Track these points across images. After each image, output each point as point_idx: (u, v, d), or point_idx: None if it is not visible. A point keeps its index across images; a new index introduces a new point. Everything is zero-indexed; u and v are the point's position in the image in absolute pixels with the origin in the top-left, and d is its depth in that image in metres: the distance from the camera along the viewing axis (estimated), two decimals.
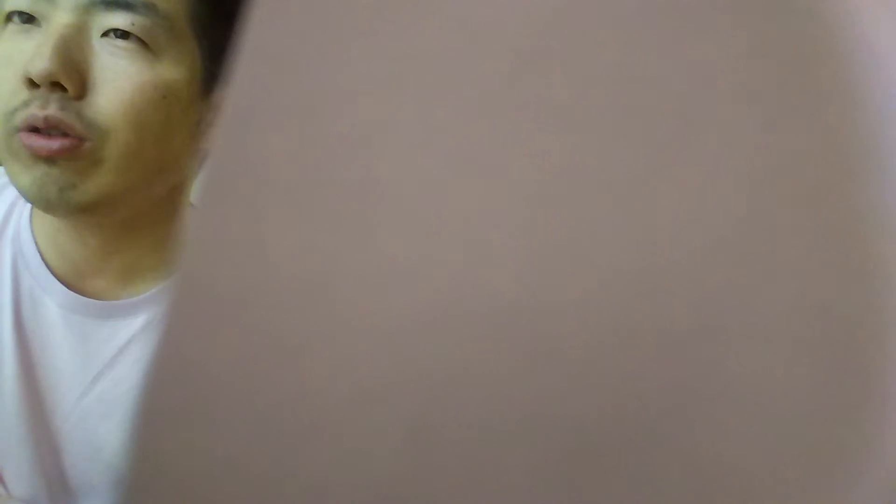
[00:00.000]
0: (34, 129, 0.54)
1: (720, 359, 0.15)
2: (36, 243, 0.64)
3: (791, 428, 0.14)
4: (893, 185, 0.15)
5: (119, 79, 0.55)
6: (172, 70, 0.56)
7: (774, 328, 0.15)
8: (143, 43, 0.55)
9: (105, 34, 0.55)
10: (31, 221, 0.65)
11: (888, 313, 0.14)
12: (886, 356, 0.14)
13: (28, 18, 0.55)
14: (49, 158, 0.54)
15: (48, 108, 0.54)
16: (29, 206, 0.65)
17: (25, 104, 0.54)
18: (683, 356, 0.15)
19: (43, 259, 0.63)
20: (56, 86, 0.54)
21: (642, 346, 0.15)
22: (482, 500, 0.16)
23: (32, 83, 0.54)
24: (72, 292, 0.62)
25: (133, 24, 0.54)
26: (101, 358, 0.62)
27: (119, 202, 0.58)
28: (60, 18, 0.54)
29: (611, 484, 0.15)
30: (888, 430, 0.14)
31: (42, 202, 0.56)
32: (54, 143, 0.54)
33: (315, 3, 0.18)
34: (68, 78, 0.54)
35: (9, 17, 0.56)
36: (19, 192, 0.57)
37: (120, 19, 0.54)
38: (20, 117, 0.54)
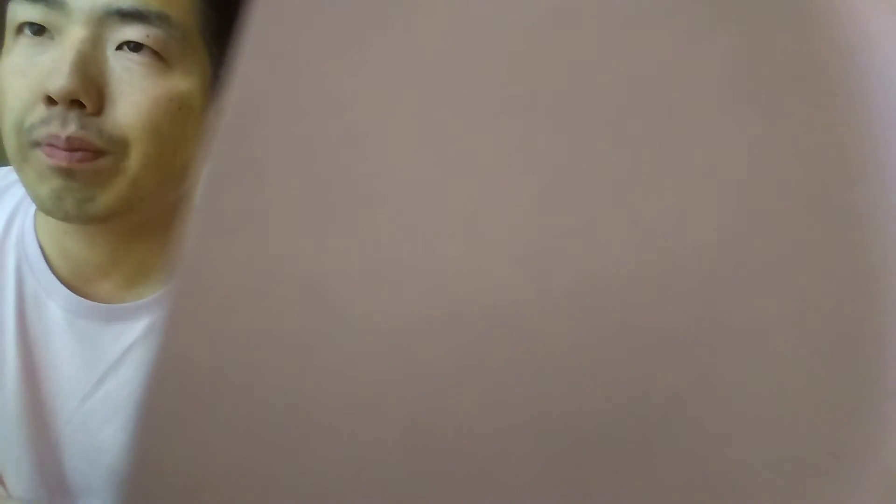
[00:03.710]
0: (54, 147, 0.54)
1: (720, 359, 0.15)
2: (40, 246, 0.64)
3: (791, 428, 0.14)
4: (893, 185, 0.15)
5: (136, 93, 0.54)
6: (186, 80, 0.56)
7: (774, 328, 0.15)
8: (157, 55, 0.55)
9: (119, 47, 0.55)
10: (35, 224, 0.65)
11: (888, 313, 0.14)
12: (886, 356, 0.14)
13: (39, 30, 0.55)
14: (69, 171, 0.54)
15: (68, 127, 0.53)
16: (33, 208, 0.65)
17: (43, 122, 0.54)
18: (682, 356, 0.15)
19: (47, 262, 0.63)
20: (74, 103, 0.54)
21: (642, 346, 0.15)
22: (482, 499, 0.16)
23: (51, 100, 0.54)
24: (76, 296, 0.62)
25: (148, 37, 0.54)
26: (105, 361, 0.62)
27: (134, 210, 0.58)
28: (75, 32, 0.54)
29: (610, 483, 0.15)
30: (888, 430, 0.14)
31: (59, 213, 0.56)
32: (75, 155, 0.54)
33: (314, 5, 0.18)
34: (87, 95, 0.53)
35: (20, 29, 0.56)
36: (35, 202, 0.57)
37: (135, 32, 0.54)
38: (39, 134, 0.54)
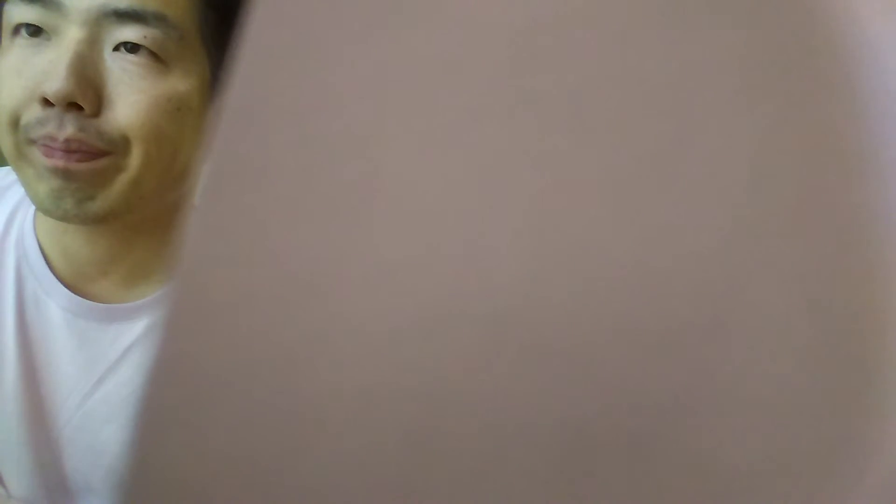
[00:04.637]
0: (52, 147, 0.54)
1: (720, 359, 0.15)
2: (40, 246, 0.64)
3: (791, 428, 0.14)
4: (893, 185, 0.15)
5: (133, 94, 0.54)
6: (184, 81, 0.56)
7: (774, 328, 0.15)
8: (154, 56, 0.55)
9: (116, 48, 0.54)
10: (34, 224, 0.65)
11: (887, 313, 0.14)
12: (886, 356, 0.14)
13: (36, 31, 0.55)
14: (66, 172, 0.54)
15: (66, 129, 0.53)
16: (33, 208, 0.65)
17: (40, 123, 0.54)
18: (683, 356, 0.15)
19: (47, 262, 0.63)
20: (72, 105, 0.53)
21: (642, 345, 0.15)
22: (481, 500, 0.16)
23: (47, 102, 0.53)
24: (76, 296, 0.62)
25: (145, 38, 0.54)
26: (105, 361, 0.62)
27: (134, 211, 0.58)
28: (73, 33, 0.53)
29: (610, 484, 0.15)
30: (888, 430, 0.14)
31: (58, 213, 0.56)
32: (72, 156, 0.54)
33: (314, 5, 0.18)
34: (84, 97, 0.53)
35: (16, 30, 0.56)
36: (34, 201, 0.57)
37: (132, 32, 0.54)
38: (36, 133, 0.54)
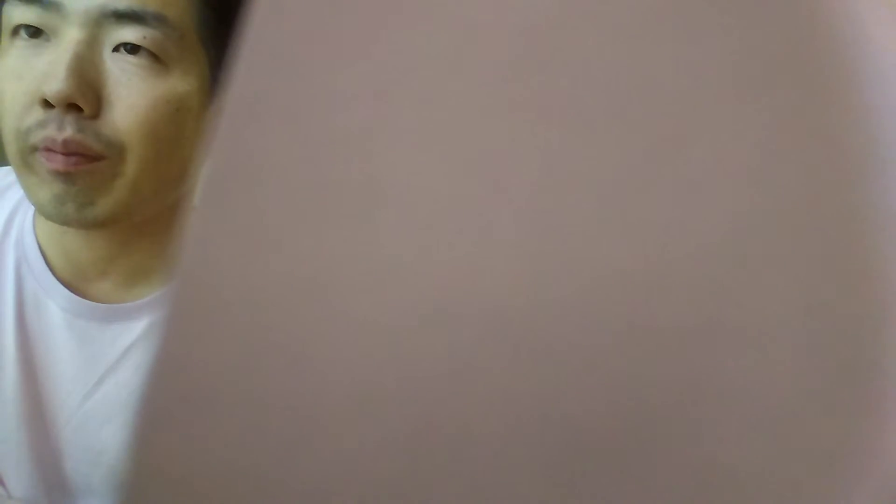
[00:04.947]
0: (51, 151, 0.54)
1: (720, 359, 0.15)
2: (40, 246, 0.64)
3: (791, 428, 0.14)
4: (893, 185, 0.15)
5: (133, 95, 0.54)
6: (183, 82, 0.56)
7: (774, 328, 0.15)
8: (154, 56, 0.55)
9: (116, 49, 0.54)
10: (34, 224, 0.65)
11: (888, 313, 0.14)
12: (886, 356, 0.14)
13: (36, 32, 0.55)
14: (67, 175, 0.54)
15: (65, 130, 0.53)
16: (32, 208, 0.65)
17: (40, 125, 0.54)
18: (683, 356, 0.15)
19: (47, 262, 0.63)
20: (72, 106, 0.53)
21: (642, 346, 0.15)
22: (481, 499, 0.16)
23: (47, 103, 0.53)
24: (75, 296, 0.62)
25: (145, 38, 0.54)
26: (105, 361, 0.62)
27: (134, 213, 0.58)
28: (72, 34, 0.54)
29: (610, 484, 0.15)
30: (888, 430, 0.14)
31: (60, 218, 0.56)
32: (71, 159, 0.54)
33: (314, 4, 0.18)
34: (84, 98, 0.53)
35: (15, 31, 0.56)
36: (36, 206, 0.57)
37: (132, 33, 0.54)
38: (36, 138, 0.54)
